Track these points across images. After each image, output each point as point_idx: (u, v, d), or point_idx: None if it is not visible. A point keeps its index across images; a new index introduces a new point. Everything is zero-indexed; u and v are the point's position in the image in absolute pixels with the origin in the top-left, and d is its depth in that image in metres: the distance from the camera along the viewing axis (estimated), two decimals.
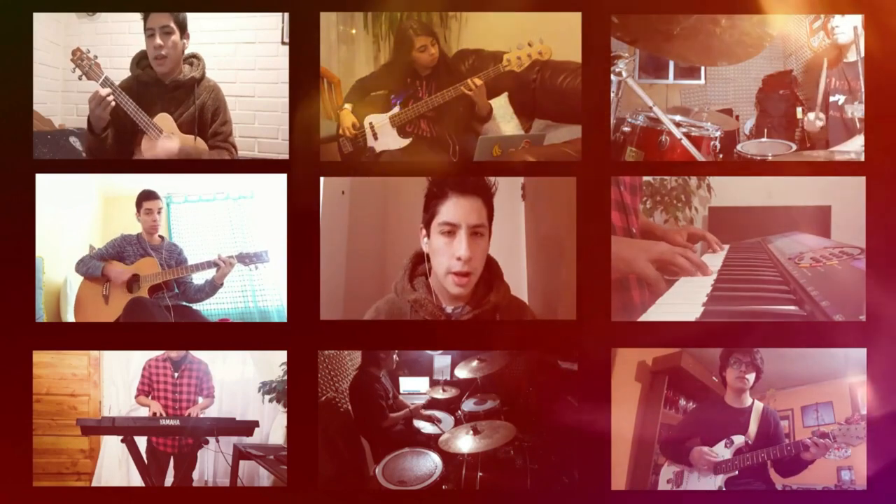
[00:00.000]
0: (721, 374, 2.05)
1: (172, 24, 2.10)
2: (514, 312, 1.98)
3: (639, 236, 2.14)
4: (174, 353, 2.20)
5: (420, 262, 1.95)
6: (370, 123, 2.26)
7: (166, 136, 2.11)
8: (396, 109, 2.24)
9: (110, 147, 2.11)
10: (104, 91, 2.08)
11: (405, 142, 2.25)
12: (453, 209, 1.84)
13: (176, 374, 2.21)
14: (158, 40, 2.10)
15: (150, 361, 2.22)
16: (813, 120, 2.12)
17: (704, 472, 2.00)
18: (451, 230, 1.84)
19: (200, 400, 2.22)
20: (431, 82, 2.24)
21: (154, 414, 2.20)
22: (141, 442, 2.15)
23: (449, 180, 1.89)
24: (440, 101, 2.20)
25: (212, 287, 2.21)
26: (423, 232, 1.91)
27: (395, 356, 2.13)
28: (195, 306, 2.24)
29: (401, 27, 2.20)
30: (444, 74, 2.23)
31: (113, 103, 2.08)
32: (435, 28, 2.22)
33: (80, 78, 2.09)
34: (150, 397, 2.22)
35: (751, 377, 2.02)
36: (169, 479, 2.17)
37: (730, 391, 2.05)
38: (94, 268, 2.18)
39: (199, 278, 2.24)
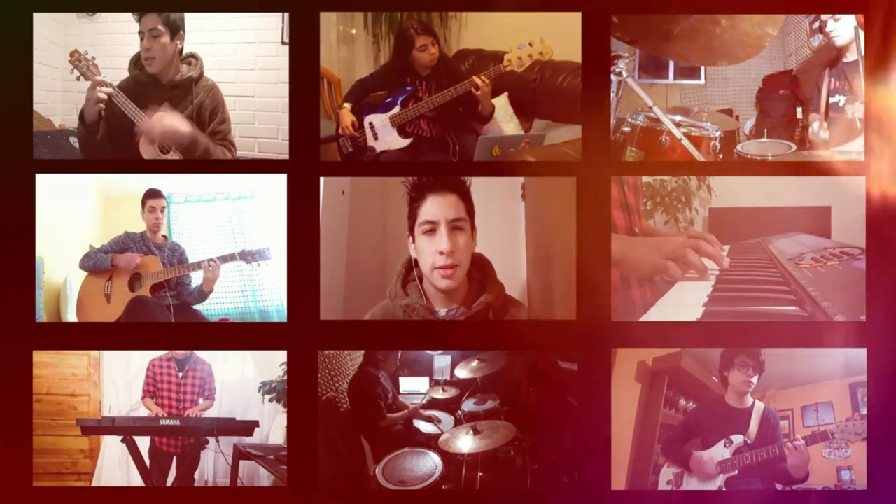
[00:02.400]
0: (722, 374, 2.05)
1: (160, 27, 2.10)
2: (508, 311, 1.99)
3: (641, 236, 2.14)
4: (179, 353, 2.20)
5: (412, 267, 1.98)
6: (370, 123, 2.26)
7: (176, 117, 2.11)
8: (397, 109, 2.24)
9: (101, 140, 2.11)
10: (104, 88, 2.09)
11: (405, 142, 2.25)
12: (431, 207, 1.91)
13: (180, 374, 2.21)
14: (146, 43, 2.12)
15: (153, 361, 2.22)
16: (818, 131, 2.11)
17: (703, 479, 2.00)
18: (431, 228, 1.90)
19: (201, 401, 2.22)
20: (431, 82, 2.24)
21: (157, 415, 2.20)
22: (141, 442, 2.15)
23: (424, 182, 1.95)
24: (442, 101, 2.20)
25: (200, 294, 2.21)
26: (410, 238, 1.96)
27: (397, 358, 2.13)
28: (195, 306, 2.24)
29: (402, 27, 2.20)
30: (444, 74, 2.23)
31: (102, 104, 2.09)
32: (435, 28, 2.22)
33: (77, 79, 2.10)
34: (154, 400, 2.22)
35: (755, 379, 2.02)
36: (171, 479, 2.17)
37: (731, 392, 2.05)
38: (101, 260, 2.19)
39: (195, 280, 2.25)
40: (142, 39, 2.12)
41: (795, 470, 1.94)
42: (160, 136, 2.11)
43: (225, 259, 2.19)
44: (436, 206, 1.91)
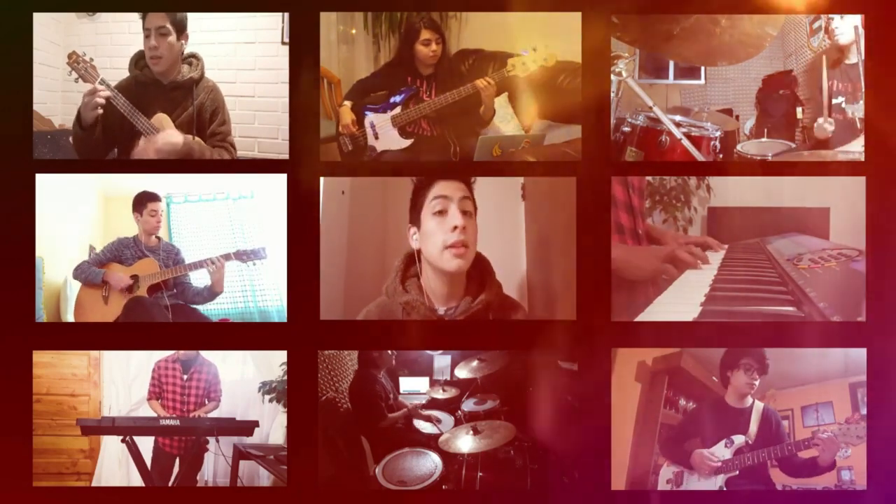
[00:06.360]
0: (724, 375, 2.05)
1: (168, 26, 2.10)
2: (506, 311, 1.99)
3: (645, 237, 2.14)
4: (185, 354, 2.20)
5: (411, 263, 1.98)
6: (371, 123, 2.25)
7: (168, 132, 2.10)
8: (398, 110, 2.24)
9: (97, 141, 2.10)
10: (101, 91, 2.08)
11: (406, 142, 2.25)
12: (442, 187, 1.94)
13: (185, 377, 2.21)
14: (153, 41, 2.11)
15: (159, 363, 2.21)
16: (822, 124, 2.11)
17: (705, 475, 2.01)
18: (442, 207, 1.91)
19: (206, 403, 2.22)
20: (433, 81, 2.24)
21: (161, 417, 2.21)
22: (142, 442, 2.15)
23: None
24: (444, 103, 2.19)
25: (210, 293, 2.20)
26: (412, 228, 1.96)
27: (393, 356, 2.13)
28: (194, 306, 2.23)
29: (408, 20, 2.19)
30: (447, 75, 2.23)
31: (100, 109, 2.08)
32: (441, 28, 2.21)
33: (76, 81, 2.09)
34: (160, 401, 2.22)
35: (758, 381, 2.02)
36: (173, 481, 2.16)
37: (732, 392, 2.05)
38: (93, 275, 2.17)
39: (196, 279, 2.24)
40: (147, 37, 2.11)
41: (824, 460, 1.94)
42: (156, 154, 2.10)
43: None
44: (447, 186, 1.94)
